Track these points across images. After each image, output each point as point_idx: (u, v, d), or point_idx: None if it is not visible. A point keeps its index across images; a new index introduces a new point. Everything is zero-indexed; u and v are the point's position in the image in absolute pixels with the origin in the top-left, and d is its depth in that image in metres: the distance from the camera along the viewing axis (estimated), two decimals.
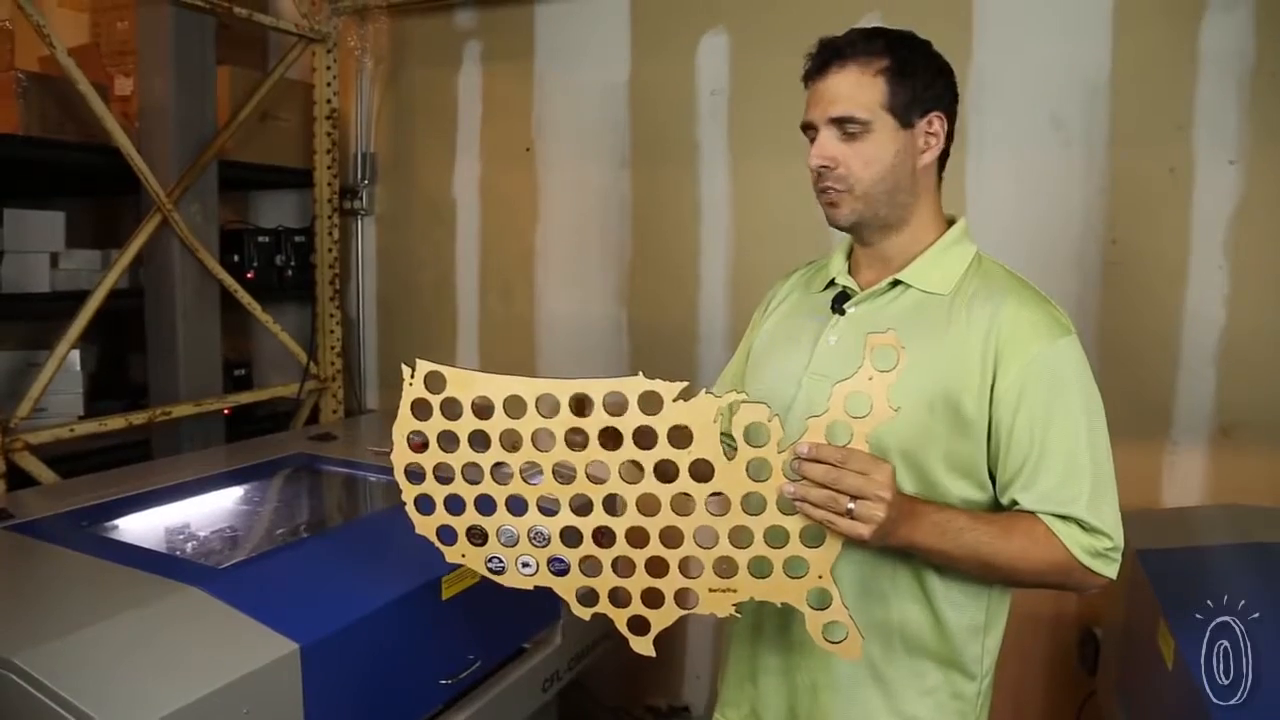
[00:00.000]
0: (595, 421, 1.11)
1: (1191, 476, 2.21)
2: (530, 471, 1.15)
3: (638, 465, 1.12)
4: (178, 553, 1.83)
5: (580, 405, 1.11)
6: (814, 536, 1.09)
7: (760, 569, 1.11)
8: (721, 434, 1.09)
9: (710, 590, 1.12)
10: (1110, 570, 1.16)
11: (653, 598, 1.15)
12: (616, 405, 1.10)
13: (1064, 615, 2.32)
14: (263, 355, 3.32)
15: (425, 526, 1.20)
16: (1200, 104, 2.13)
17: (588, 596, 1.17)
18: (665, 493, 1.12)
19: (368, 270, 3.20)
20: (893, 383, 1.03)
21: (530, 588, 1.19)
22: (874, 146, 1.21)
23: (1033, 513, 1.16)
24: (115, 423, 2.35)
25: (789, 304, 1.43)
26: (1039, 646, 2.35)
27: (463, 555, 1.19)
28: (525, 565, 1.18)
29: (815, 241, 2.29)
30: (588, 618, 1.17)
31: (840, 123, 1.21)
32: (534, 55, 2.85)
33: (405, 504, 1.19)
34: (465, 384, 1.14)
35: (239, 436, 2.77)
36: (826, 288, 1.35)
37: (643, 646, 1.16)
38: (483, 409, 1.14)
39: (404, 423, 1.16)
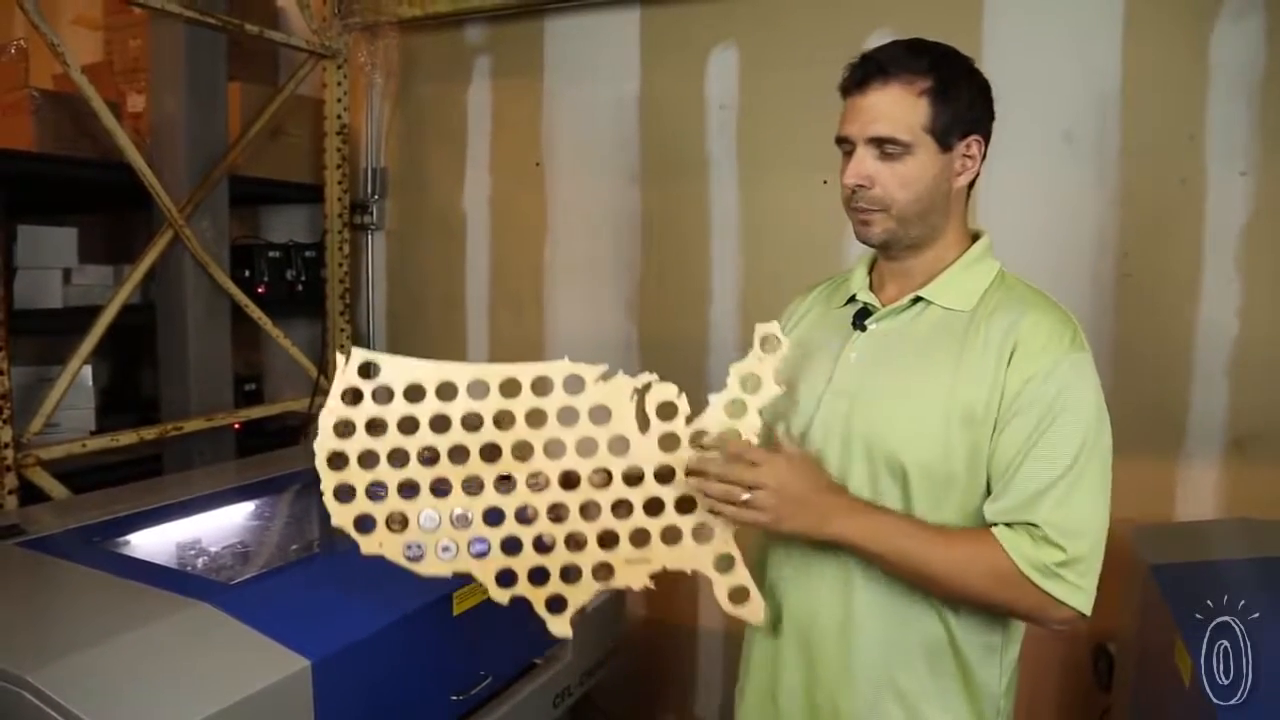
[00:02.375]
0: (522, 403, 1.17)
1: (1205, 490, 2.19)
2: (457, 455, 1.18)
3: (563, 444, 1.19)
4: (189, 568, 1.83)
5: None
6: None
7: (671, 537, 1.18)
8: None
9: (626, 561, 1.18)
10: (1062, 591, 1.08)
11: (571, 574, 1.19)
12: (543, 387, 1.19)
13: (1077, 631, 2.29)
14: (273, 370, 3.33)
15: (342, 516, 1.19)
16: (1211, 114, 2.12)
17: (506, 580, 1.19)
18: (585, 467, 1.18)
19: (378, 285, 3.21)
20: (777, 365, 1.18)
21: (449, 574, 1.20)
22: (912, 168, 1.18)
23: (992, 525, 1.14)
24: (127, 438, 2.36)
25: (810, 320, 1.42)
26: (1053, 662, 2.33)
27: (380, 544, 1.20)
28: (445, 550, 1.20)
29: (827, 255, 2.29)
30: (505, 601, 1.20)
31: (879, 142, 1.18)
32: (544, 70, 2.86)
33: (324, 494, 1.18)
34: (400, 371, 1.17)
35: (250, 451, 2.77)
36: (847, 303, 1.34)
37: (559, 626, 1.20)
38: (416, 395, 1.17)
39: (332, 410, 1.17)
